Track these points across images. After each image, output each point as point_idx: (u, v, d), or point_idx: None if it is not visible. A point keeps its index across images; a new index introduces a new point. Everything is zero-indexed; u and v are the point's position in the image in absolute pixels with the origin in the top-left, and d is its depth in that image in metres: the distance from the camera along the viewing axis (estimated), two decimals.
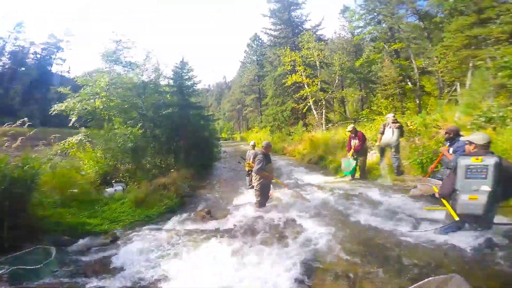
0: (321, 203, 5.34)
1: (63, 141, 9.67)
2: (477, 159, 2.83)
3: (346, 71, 19.16)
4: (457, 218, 3.07)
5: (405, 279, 2.59)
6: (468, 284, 1.30)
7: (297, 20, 22.36)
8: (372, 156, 7.78)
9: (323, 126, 16.30)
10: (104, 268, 3.26)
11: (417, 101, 16.95)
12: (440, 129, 7.15)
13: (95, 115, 10.21)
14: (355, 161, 7.01)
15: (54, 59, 39.13)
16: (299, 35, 19.47)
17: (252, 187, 5.66)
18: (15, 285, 2.49)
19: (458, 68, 12.27)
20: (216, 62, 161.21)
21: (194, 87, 12.34)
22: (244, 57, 42.26)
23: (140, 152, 8.19)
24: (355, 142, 7.03)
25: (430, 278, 1.34)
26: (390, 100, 17.30)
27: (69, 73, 38.38)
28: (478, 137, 3.01)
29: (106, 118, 10.21)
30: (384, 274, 2.71)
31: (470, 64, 11.17)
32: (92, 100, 10.08)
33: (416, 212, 4.31)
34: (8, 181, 3.55)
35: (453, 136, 4.33)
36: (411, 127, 7.81)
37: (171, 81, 11.99)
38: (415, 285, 1.39)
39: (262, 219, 4.67)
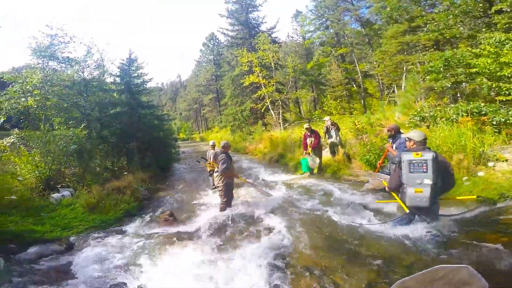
0: (284, 200, 5.53)
1: None
2: (417, 154, 3.07)
3: (299, 73, 20.17)
4: (407, 211, 3.34)
5: (369, 272, 2.67)
6: (481, 276, 1.30)
7: (254, 22, 22.74)
8: (327, 154, 8.32)
9: (281, 126, 16.90)
10: (62, 276, 2.98)
11: (362, 102, 18.67)
12: (383, 127, 7.95)
13: (28, 115, 9.03)
14: (317, 158, 7.44)
15: None
16: (255, 37, 19.83)
17: (216, 187, 5.61)
18: None
19: (394, 72, 13.79)
20: (168, 60, 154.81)
21: (144, 85, 11.71)
22: (200, 56, 41.31)
23: (87, 154, 7.47)
24: (311, 140, 7.45)
25: (439, 266, 1.36)
26: (338, 101, 18.77)
27: None
28: (416, 134, 3.31)
29: (43, 118, 9.11)
30: (349, 268, 2.79)
31: (404, 68, 12.71)
32: (23, 99, 8.89)
33: (371, 205, 4.53)
34: None
35: (394, 133, 4.75)
36: (358, 126, 8.51)
37: (117, 79, 11.17)
38: (423, 271, 1.40)
39: (228, 220, 4.63)
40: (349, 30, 20.54)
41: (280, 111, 17.94)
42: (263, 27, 22.68)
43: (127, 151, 10.08)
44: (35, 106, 9.06)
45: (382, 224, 3.65)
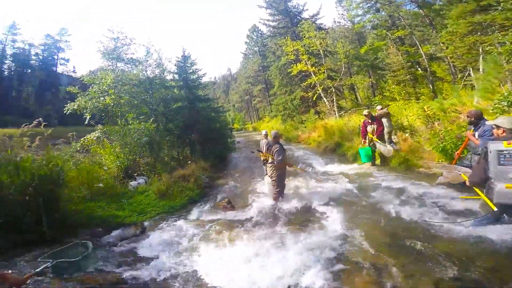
0: (341, 191, 5.30)
1: (82, 139, 9.94)
2: (509, 143, 2.62)
3: (352, 58, 19.06)
4: (495, 209, 2.87)
5: (438, 276, 2.42)
6: None
7: (294, 10, 22.30)
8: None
9: (336, 113, 16.16)
10: (136, 259, 3.38)
11: (430, 87, 16.59)
12: (460, 113, 6.95)
13: (107, 112, 10.36)
14: (390, 145, 6.94)
15: (56, 59, 39.37)
16: (298, 25, 19.36)
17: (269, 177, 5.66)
18: (58, 277, 2.63)
19: (468, 54, 11.96)
20: (218, 55, 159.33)
21: (199, 80, 12.34)
22: (246, 48, 42.00)
23: (156, 146, 8.29)
24: (373, 128, 6.92)
25: None
26: (402, 86, 16.99)
27: (75, 72, 38.74)
28: (507, 121, 2.82)
29: (119, 114, 10.37)
30: (415, 269, 2.56)
31: (480, 50, 10.87)
32: (102, 98, 10.21)
33: (445, 201, 4.06)
34: (37, 178, 3.65)
35: (476, 120, 4.05)
36: (428, 112, 7.56)
37: (176, 76, 12.00)
38: None
39: (282, 209, 4.70)
40: (404, 12, 18.27)
41: (334, 98, 17.10)
42: (305, 15, 22.11)
43: (189, 142, 10.84)
44: (112, 104, 10.38)
45: (459, 222, 3.23)
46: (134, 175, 6.84)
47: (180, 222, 4.52)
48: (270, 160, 5.16)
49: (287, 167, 5.29)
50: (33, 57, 38.11)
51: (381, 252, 2.95)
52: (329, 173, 7.05)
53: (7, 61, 35.37)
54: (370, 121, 7.01)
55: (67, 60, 40.69)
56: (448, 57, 15.08)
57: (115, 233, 4.12)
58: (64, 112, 10.43)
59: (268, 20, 23.57)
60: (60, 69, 39.66)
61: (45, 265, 2.43)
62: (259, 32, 36.85)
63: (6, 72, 35.47)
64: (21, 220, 3.47)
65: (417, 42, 17.40)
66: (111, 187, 5.71)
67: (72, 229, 3.90)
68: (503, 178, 2.65)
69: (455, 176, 4.28)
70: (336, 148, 10.27)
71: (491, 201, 2.87)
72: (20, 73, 36.04)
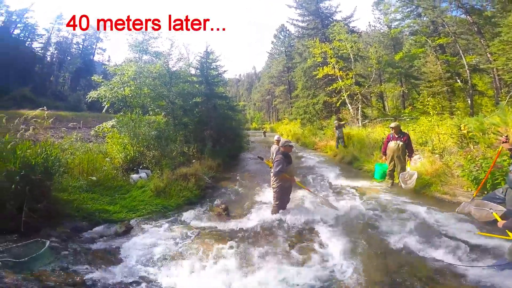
0: (349, 213, 4.75)
1: (97, 126, 10.15)
2: None
3: (384, 65, 17.91)
4: None
5: None
6: None
7: (326, 11, 21.69)
8: (416, 163, 6.78)
9: (359, 122, 15.23)
10: (108, 259, 3.20)
11: (469, 101, 15.09)
12: (501, 136, 6.01)
13: (125, 103, 10.52)
14: (415, 172, 6.02)
15: (95, 49, 41.85)
16: (329, 27, 18.66)
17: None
18: (13, 271, 2.48)
19: None
20: (246, 52, 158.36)
21: (219, 77, 12.12)
22: (272, 48, 41.88)
23: (164, 140, 8.17)
24: (397, 144, 6.17)
25: None
26: (438, 98, 15.66)
27: (109, 62, 40.87)
28: None
29: (136, 105, 10.46)
30: None
31: None
32: (122, 89, 10.36)
33: (466, 237, 3.58)
34: (26, 167, 3.56)
35: None
36: (464, 131, 6.57)
37: (197, 71, 11.93)
38: None
39: (279, 226, 4.32)
40: (449, 18, 16.74)
41: (360, 106, 16.16)
42: (337, 17, 21.39)
43: (202, 138, 10.71)
44: (130, 95, 10.51)
45: (480, 267, 2.82)
46: (136, 168, 6.67)
47: (167, 226, 4.29)
48: (272, 170, 4.74)
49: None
50: (74, 46, 40.90)
51: None
52: (340, 188, 6.48)
53: (50, 48, 38.26)
54: (397, 135, 6.29)
55: (104, 50, 43.40)
56: (495, 69, 13.68)
57: (98, 229, 3.94)
58: (86, 99, 10.72)
59: (297, 21, 23.24)
60: (96, 58, 42.19)
61: None
62: (287, 32, 36.56)
63: (48, 58, 38.32)
64: (4, 208, 3.39)
65: (460, 51, 15.90)
66: (110, 179, 5.57)
67: (56, 220, 3.77)
68: None
69: (483, 214, 3.62)
70: (353, 161, 9.56)
71: None
72: (61, 60, 38.89)
